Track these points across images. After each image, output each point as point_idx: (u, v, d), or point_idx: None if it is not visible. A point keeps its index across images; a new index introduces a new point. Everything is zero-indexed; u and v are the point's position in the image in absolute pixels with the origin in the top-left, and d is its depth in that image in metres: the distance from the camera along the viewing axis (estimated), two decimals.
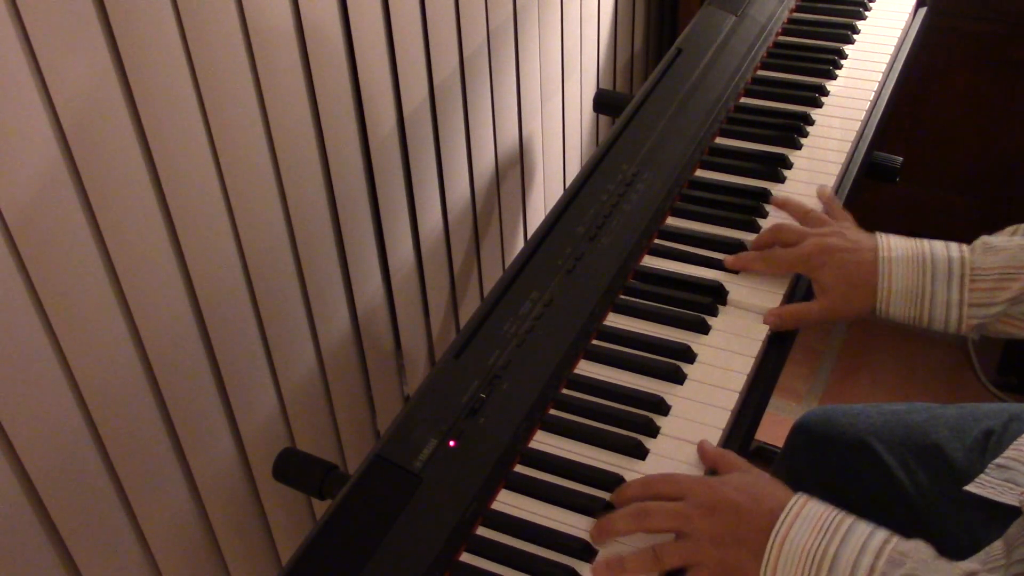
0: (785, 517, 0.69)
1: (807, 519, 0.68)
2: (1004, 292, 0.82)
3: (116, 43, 0.78)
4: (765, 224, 1.00)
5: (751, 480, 0.73)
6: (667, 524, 0.72)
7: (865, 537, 0.66)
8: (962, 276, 0.84)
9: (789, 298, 0.92)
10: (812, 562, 0.66)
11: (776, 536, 0.68)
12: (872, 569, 0.64)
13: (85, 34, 0.75)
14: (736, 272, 0.94)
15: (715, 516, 0.70)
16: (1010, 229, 0.88)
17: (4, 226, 0.73)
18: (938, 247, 0.86)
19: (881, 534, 0.67)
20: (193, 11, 0.84)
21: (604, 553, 0.73)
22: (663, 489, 0.74)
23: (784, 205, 0.98)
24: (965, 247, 0.86)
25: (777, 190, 1.04)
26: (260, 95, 0.94)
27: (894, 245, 0.87)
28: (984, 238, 0.87)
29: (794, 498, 0.70)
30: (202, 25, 0.85)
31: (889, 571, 0.64)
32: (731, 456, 0.77)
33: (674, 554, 0.71)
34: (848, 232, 0.90)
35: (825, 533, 0.67)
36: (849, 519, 0.68)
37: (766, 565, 0.67)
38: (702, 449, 0.78)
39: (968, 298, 0.83)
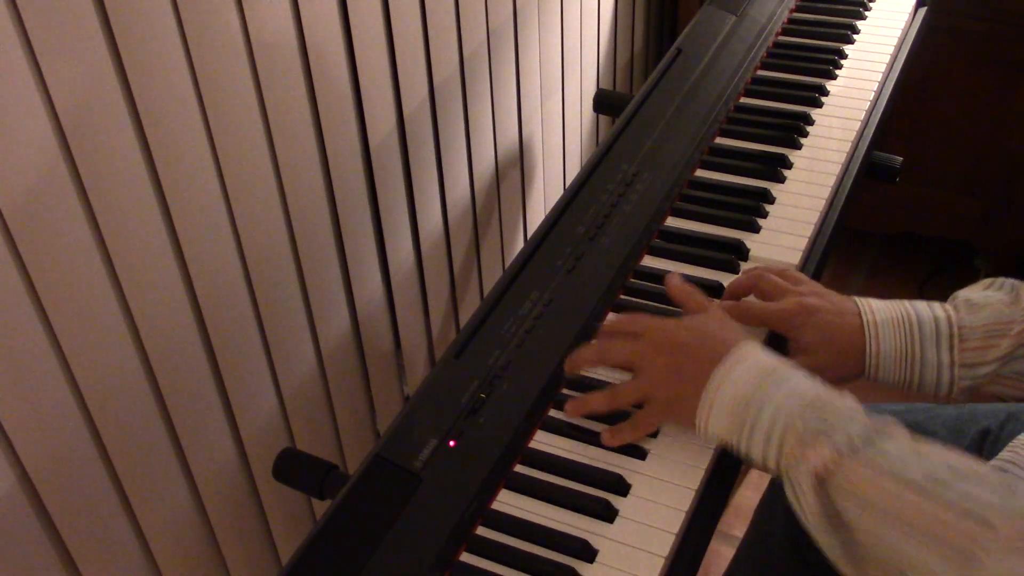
0: (728, 358, 0.74)
1: (751, 363, 0.73)
2: (993, 351, 0.80)
3: (116, 43, 0.78)
4: (764, 224, 1.00)
5: (705, 321, 0.79)
6: (623, 358, 0.80)
7: (797, 382, 0.71)
8: (950, 336, 0.82)
9: (768, 342, 0.88)
10: (745, 401, 0.71)
11: (716, 373, 0.73)
12: (794, 414, 0.69)
13: (85, 35, 0.75)
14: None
15: (666, 354, 0.77)
16: (985, 282, 0.86)
17: (4, 226, 0.73)
18: (921, 308, 0.84)
19: (816, 383, 0.72)
20: (193, 10, 0.84)
21: (604, 561, 0.73)
22: (626, 327, 0.82)
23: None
24: (948, 306, 0.84)
25: (777, 190, 1.04)
26: (260, 95, 0.94)
27: (876, 308, 0.85)
28: (964, 295, 0.85)
29: (743, 341, 0.75)
30: (202, 25, 0.85)
31: (808, 414, 0.68)
32: (698, 297, 0.84)
33: (628, 390, 0.79)
34: (826, 294, 0.88)
35: (764, 378, 0.72)
36: (789, 368, 0.73)
37: (705, 399, 0.74)
38: (669, 283, 0.85)
39: (959, 359, 0.81)
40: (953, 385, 0.82)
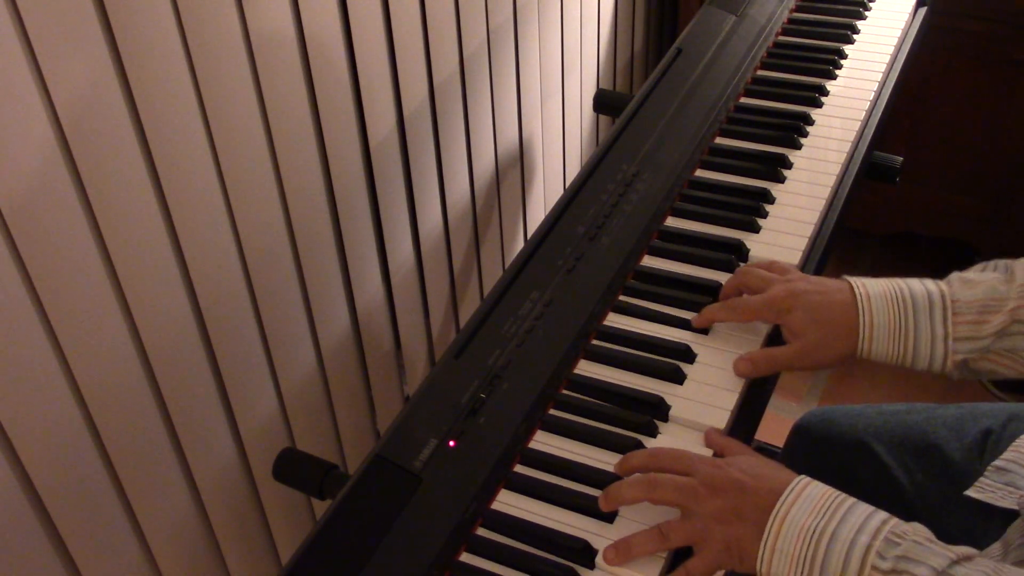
0: (787, 496, 0.70)
1: (808, 499, 0.69)
2: (987, 325, 0.80)
3: (116, 42, 0.78)
4: (764, 224, 1.00)
5: (755, 462, 0.74)
6: (674, 497, 0.73)
7: (864, 517, 0.67)
8: (944, 309, 0.82)
9: (769, 340, 0.89)
10: (811, 539, 0.67)
11: (777, 514, 0.69)
12: (868, 548, 0.65)
13: (85, 33, 0.75)
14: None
15: (720, 495, 0.71)
16: (980, 265, 0.86)
17: (4, 226, 0.73)
18: (914, 283, 0.84)
19: (880, 515, 0.68)
20: (192, 11, 0.84)
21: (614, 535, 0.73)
22: (670, 464, 0.75)
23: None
24: (941, 282, 0.84)
25: (777, 190, 1.04)
26: (260, 95, 0.94)
27: (868, 282, 0.85)
28: (957, 273, 0.85)
29: (796, 479, 0.71)
30: (202, 25, 0.85)
31: (885, 550, 0.65)
32: (736, 444, 0.78)
33: (680, 532, 0.72)
34: (812, 277, 0.88)
35: (825, 513, 0.68)
36: (849, 501, 0.69)
37: (765, 542, 0.69)
38: (709, 436, 0.80)
39: (952, 332, 0.81)
40: (947, 359, 0.81)
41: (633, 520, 0.75)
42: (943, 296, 0.82)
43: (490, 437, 0.78)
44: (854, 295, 0.84)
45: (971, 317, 0.81)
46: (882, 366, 0.85)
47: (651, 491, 0.74)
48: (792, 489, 0.70)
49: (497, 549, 0.74)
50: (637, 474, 0.76)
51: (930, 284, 0.84)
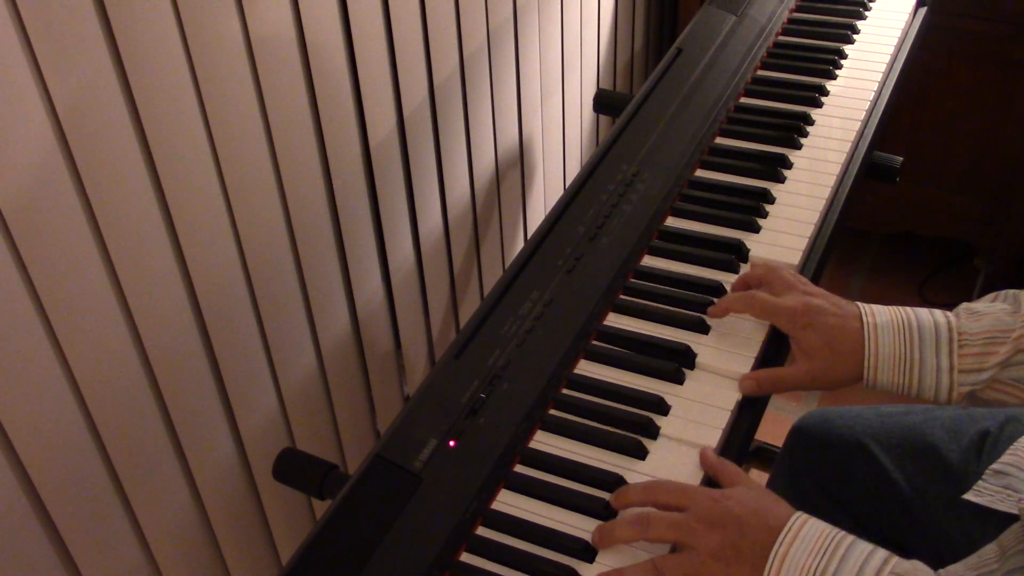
0: (785, 535, 0.69)
1: (806, 538, 0.68)
2: (992, 357, 0.80)
3: (115, 41, 0.78)
4: (764, 224, 1.00)
5: (753, 495, 0.73)
6: (670, 535, 0.72)
7: (864, 557, 0.66)
8: (950, 341, 0.82)
9: (768, 341, 0.89)
10: None
11: (776, 554, 0.68)
12: None
13: (85, 35, 0.75)
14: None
15: (718, 530, 0.70)
16: (990, 296, 0.86)
17: (4, 227, 0.73)
18: (922, 313, 0.84)
19: (880, 554, 0.67)
20: (193, 12, 0.84)
21: (604, 561, 0.73)
22: (665, 498, 0.74)
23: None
24: (949, 313, 0.84)
25: (777, 190, 1.04)
26: (260, 95, 0.94)
27: (877, 311, 0.85)
28: (966, 304, 0.85)
29: (794, 516, 0.70)
30: (202, 25, 0.85)
31: None
32: (732, 467, 0.77)
33: (676, 567, 0.70)
34: (830, 296, 0.88)
35: (824, 553, 0.67)
36: (848, 539, 0.68)
37: None
38: (703, 456, 0.79)
39: (958, 364, 0.81)
40: (952, 391, 0.82)
41: None
42: (950, 328, 0.82)
43: (490, 437, 0.78)
44: (862, 324, 0.83)
45: (977, 349, 0.81)
46: None
47: (645, 530, 0.72)
48: (790, 528, 0.69)
49: (497, 549, 0.74)
50: (631, 511, 0.74)
51: (938, 315, 0.84)
